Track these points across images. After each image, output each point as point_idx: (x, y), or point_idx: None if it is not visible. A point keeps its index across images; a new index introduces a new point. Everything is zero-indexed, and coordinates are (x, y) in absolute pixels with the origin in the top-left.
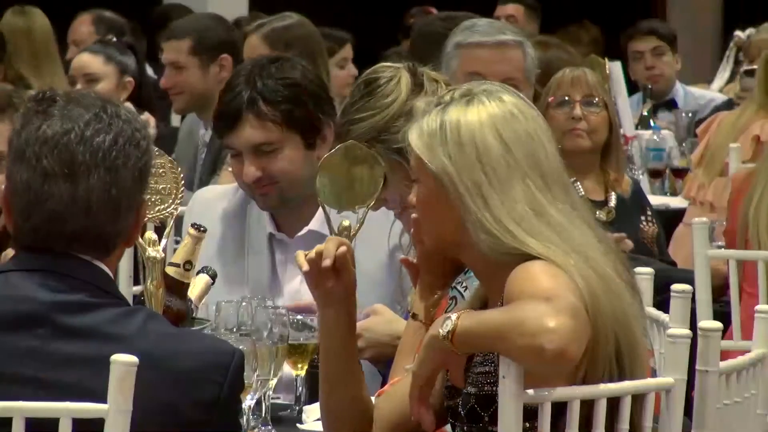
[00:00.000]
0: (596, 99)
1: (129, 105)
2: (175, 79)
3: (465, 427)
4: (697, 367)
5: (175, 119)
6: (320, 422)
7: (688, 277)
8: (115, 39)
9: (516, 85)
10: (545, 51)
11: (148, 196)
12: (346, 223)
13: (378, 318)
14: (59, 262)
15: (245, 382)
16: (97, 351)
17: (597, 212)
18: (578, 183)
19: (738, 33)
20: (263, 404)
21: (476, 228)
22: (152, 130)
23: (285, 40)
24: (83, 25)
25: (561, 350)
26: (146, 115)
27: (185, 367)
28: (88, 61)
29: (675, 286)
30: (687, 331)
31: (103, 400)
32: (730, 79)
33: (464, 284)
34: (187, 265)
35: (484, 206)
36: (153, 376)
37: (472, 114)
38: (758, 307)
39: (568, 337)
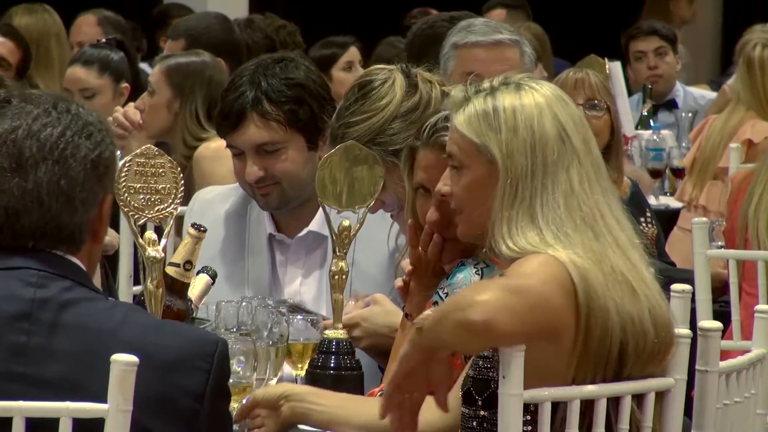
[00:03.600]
0: (599, 102)
1: (133, 110)
2: None
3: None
4: (697, 367)
5: None
6: None
7: (688, 277)
8: (104, 40)
9: None
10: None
11: (148, 196)
12: (346, 223)
13: (377, 308)
14: (34, 259)
15: (245, 381)
16: (82, 345)
17: None
18: None
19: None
20: None
21: (494, 226)
22: None
23: (184, 74)
24: (88, 27)
25: (486, 321)
26: None
27: (171, 356)
28: (83, 75)
29: (675, 286)
30: (687, 331)
31: (93, 394)
32: None
33: (445, 290)
34: (187, 265)
35: (510, 204)
36: (140, 368)
37: (527, 98)
38: (758, 307)
39: (495, 309)
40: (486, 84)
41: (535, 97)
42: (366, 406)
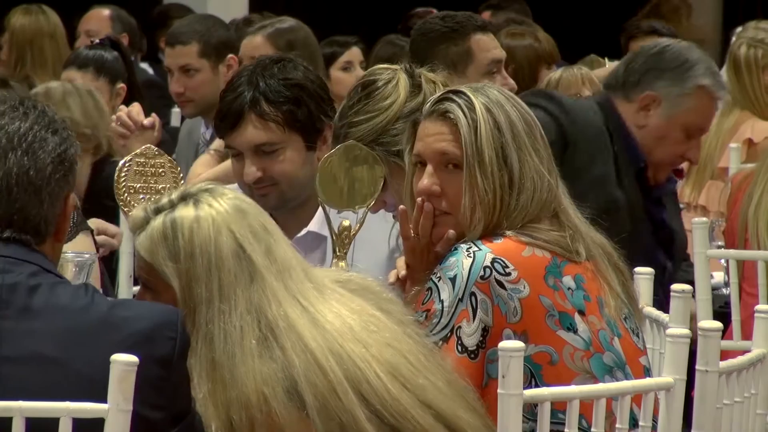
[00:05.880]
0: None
1: (137, 109)
2: (186, 84)
3: None
4: (697, 367)
5: (174, 119)
6: None
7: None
8: (97, 41)
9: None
10: (515, 39)
11: (147, 196)
12: (346, 223)
13: None
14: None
15: None
16: (58, 323)
17: None
18: None
19: (738, 30)
20: None
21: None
22: (156, 134)
23: (288, 40)
24: (100, 21)
25: None
26: (153, 117)
27: (141, 327)
28: (79, 79)
29: (675, 286)
30: (687, 331)
31: (76, 371)
32: None
33: (438, 275)
34: None
35: (195, 338)
36: (116, 341)
37: (204, 218)
38: (758, 307)
39: None
40: (165, 200)
41: (212, 215)
42: None
